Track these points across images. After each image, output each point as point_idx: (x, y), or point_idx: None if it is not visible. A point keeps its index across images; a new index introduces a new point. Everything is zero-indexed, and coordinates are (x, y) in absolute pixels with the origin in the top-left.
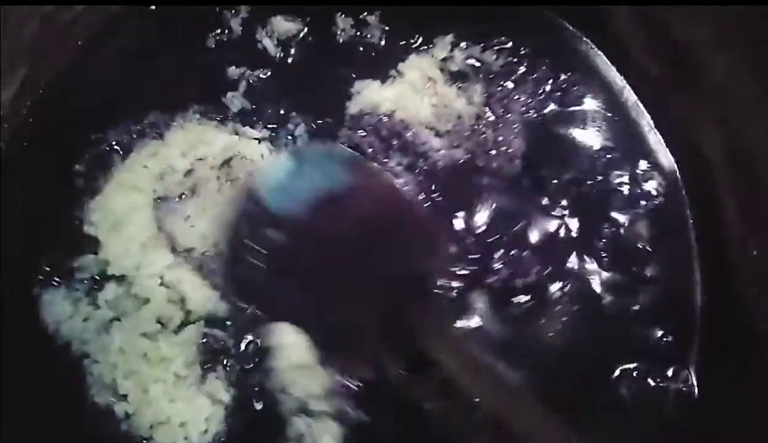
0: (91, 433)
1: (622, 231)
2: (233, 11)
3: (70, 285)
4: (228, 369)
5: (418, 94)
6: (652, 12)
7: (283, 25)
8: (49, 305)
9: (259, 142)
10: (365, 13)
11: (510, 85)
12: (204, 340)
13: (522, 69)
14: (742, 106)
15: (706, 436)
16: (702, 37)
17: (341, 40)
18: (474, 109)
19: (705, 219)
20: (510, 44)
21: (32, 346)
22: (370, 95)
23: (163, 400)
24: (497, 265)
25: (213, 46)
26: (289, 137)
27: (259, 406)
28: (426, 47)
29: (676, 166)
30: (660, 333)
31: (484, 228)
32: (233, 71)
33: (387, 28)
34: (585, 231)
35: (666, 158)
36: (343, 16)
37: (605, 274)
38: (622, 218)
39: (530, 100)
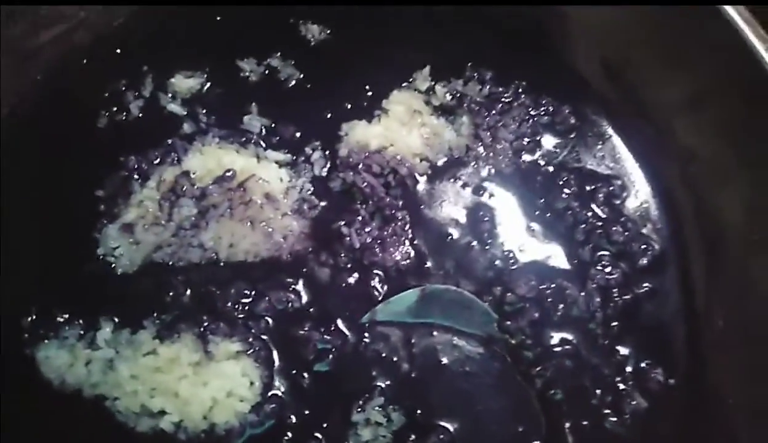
0: None
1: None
2: None
3: (59, 335)
4: (224, 323)
5: (406, 126)
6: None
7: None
8: (46, 360)
9: (280, 167)
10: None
11: (496, 114)
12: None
13: (507, 98)
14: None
15: None
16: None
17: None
18: (463, 140)
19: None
20: (489, 75)
21: (45, 407)
22: (359, 134)
23: (198, 390)
24: None
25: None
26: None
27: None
28: (407, 83)
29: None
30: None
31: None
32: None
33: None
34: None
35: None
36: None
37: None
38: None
39: (519, 128)
